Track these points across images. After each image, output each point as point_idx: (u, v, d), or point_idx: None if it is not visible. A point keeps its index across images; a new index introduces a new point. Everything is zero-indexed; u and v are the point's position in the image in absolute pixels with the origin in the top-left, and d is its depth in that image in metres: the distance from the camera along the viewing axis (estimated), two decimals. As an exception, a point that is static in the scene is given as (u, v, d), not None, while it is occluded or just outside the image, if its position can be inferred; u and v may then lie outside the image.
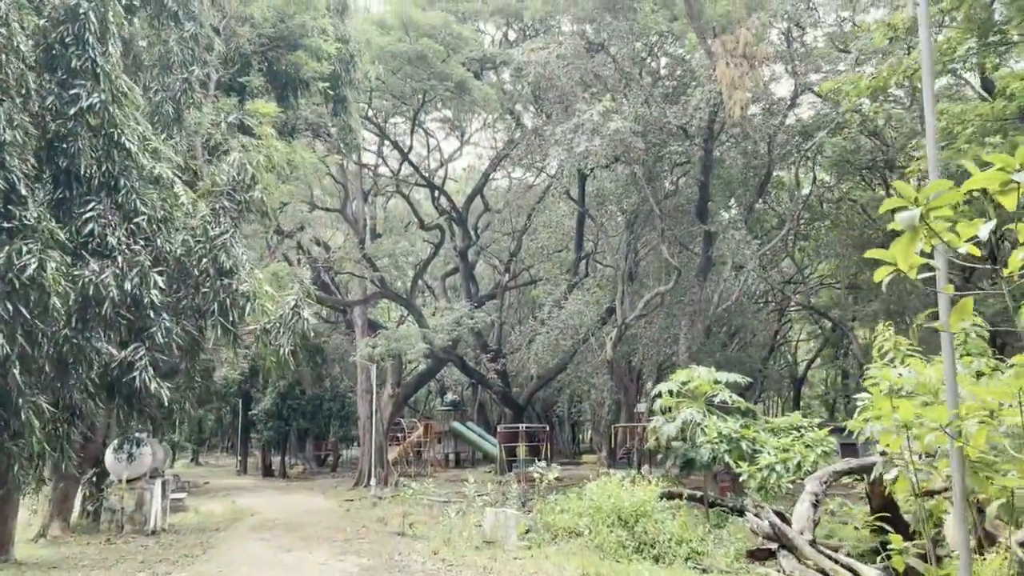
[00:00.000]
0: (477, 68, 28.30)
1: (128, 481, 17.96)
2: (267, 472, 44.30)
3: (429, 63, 23.94)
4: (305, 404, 42.23)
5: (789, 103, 28.38)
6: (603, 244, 40.10)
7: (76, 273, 8.83)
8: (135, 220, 9.52)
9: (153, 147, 10.00)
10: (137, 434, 16.50)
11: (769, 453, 15.63)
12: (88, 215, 9.26)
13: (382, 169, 35.74)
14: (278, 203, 23.89)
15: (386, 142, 32.70)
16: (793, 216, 29.30)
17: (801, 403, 56.62)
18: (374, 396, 32.45)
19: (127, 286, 9.04)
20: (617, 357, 30.10)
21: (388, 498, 27.06)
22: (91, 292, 8.74)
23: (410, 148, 31.59)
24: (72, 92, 9.23)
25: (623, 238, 31.58)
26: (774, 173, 29.94)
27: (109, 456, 18.20)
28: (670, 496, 15.93)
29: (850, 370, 53.09)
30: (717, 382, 17.64)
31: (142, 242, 9.59)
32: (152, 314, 9.25)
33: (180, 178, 10.18)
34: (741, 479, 15.32)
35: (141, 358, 9.14)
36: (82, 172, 9.07)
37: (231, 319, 10.07)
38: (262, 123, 12.01)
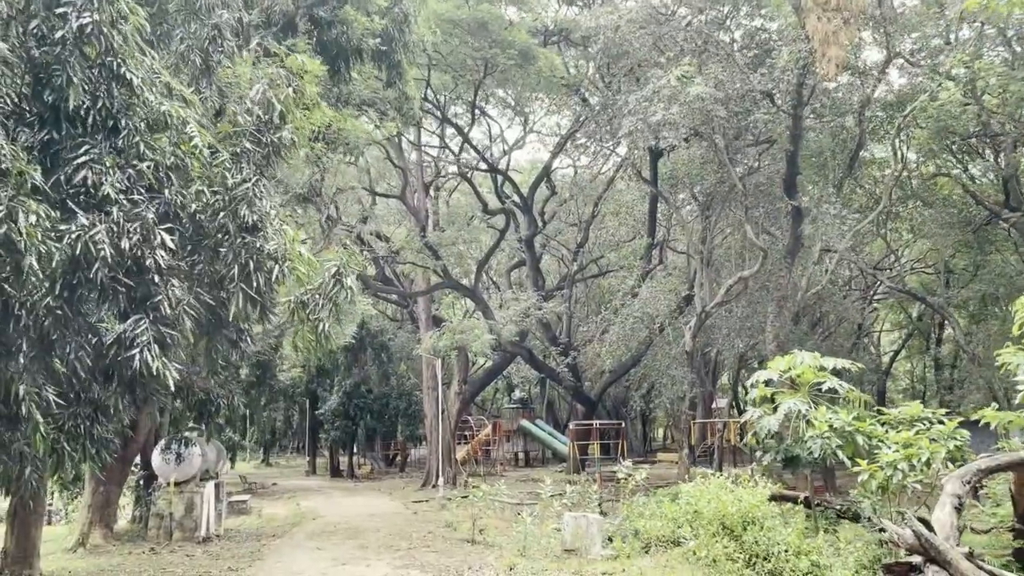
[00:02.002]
0: (540, 41, 26.58)
1: (177, 484, 16.83)
2: (335, 472, 43.68)
3: (490, 31, 22.39)
4: (372, 403, 41.40)
5: (881, 68, 25.94)
6: (675, 230, 38.09)
7: (61, 228, 7.48)
8: (138, 167, 8.16)
9: (164, 82, 8.65)
10: (186, 433, 15.38)
11: (890, 448, 13.55)
12: (80, 160, 7.86)
13: (444, 155, 34.36)
14: (333, 187, 22.73)
15: (447, 127, 31.18)
16: (889, 191, 26.75)
17: (886, 397, 53.32)
18: (440, 393, 31.16)
19: (124, 244, 7.61)
20: (696, 348, 28.07)
21: (456, 499, 25.71)
22: (79, 251, 7.34)
23: (471, 125, 30.03)
24: (59, 11, 7.86)
25: (698, 221, 29.54)
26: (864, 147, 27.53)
27: (156, 457, 17.11)
28: (774, 499, 14.00)
29: (944, 360, 49.68)
30: (823, 369, 15.60)
31: (145, 192, 8.20)
32: (157, 279, 7.83)
33: (196, 120, 8.72)
34: (860, 479, 13.30)
35: (143, 332, 7.70)
36: (73, 109, 7.79)
37: (255, 285, 8.55)
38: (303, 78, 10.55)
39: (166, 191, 8.29)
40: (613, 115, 23.46)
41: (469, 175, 32.76)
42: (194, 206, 8.50)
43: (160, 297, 7.68)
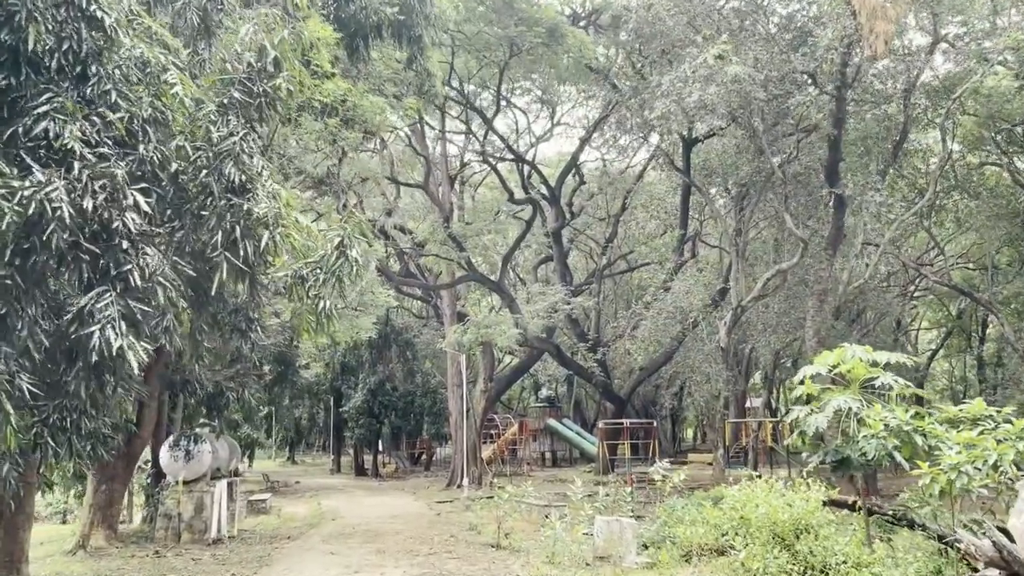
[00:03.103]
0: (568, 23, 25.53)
1: (186, 483, 16.07)
2: (360, 471, 43.13)
3: (515, 9, 21.40)
4: (396, 400, 40.72)
5: (928, 51, 24.66)
6: (708, 224, 36.91)
7: (14, 185, 6.58)
8: (108, 119, 7.23)
9: (144, 25, 7.73)
10: (197, 429, 14.61)
11: (952, 449, 12.42)
12: (41, 110, 6.95)
13: (469, 143, 33.42)
14: (352, 174, 21.86)
15: (472, 116, 30.17)
16: (935, 180, 25.38)
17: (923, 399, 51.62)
18: (465, 390, 30.32)
19: (87, 204, 6.66)
20: (731, 344, 26.92)
21: (482, 500, 24.86)
22: (31, 211, 6.45)
23: (496, 113, 29.01)
24: (14, -62, 6.92)
25: (733, 213, 28.35)
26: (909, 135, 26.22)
27: (164, 454, 16.33)
28: (824, 504, 12.90)
29: (988, 359, 47.86)
30: (875, 364, 14.48)
31: (115, 147, 7.17)
32: (127, 246, 6.91)
33: (178, 66, 7.76)
34: (921, 482, 12.17)
35: (107, 306, 6.78)
36: (34, 51, 6.83)
37: (243, 255, 7.58)
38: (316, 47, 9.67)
39: (141, 147, 7.37)
40: (645, 100, 22.38)
41: (494, 164, 31.66)
42: (175, 165, 7.56)
43: (130, 266, 6.78)
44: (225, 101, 7.93)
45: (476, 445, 32.07)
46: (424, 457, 47.03)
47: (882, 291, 34.75)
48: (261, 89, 8.02)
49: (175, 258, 7.53)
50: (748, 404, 40.37)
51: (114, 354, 6.48)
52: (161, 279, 6.99)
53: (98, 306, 6.59)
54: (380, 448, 45.98)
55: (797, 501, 10.36)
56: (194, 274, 7.75)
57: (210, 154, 7.58)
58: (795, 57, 20.22)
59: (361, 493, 30.39)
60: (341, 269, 8.19)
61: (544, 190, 32.81)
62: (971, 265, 40.69)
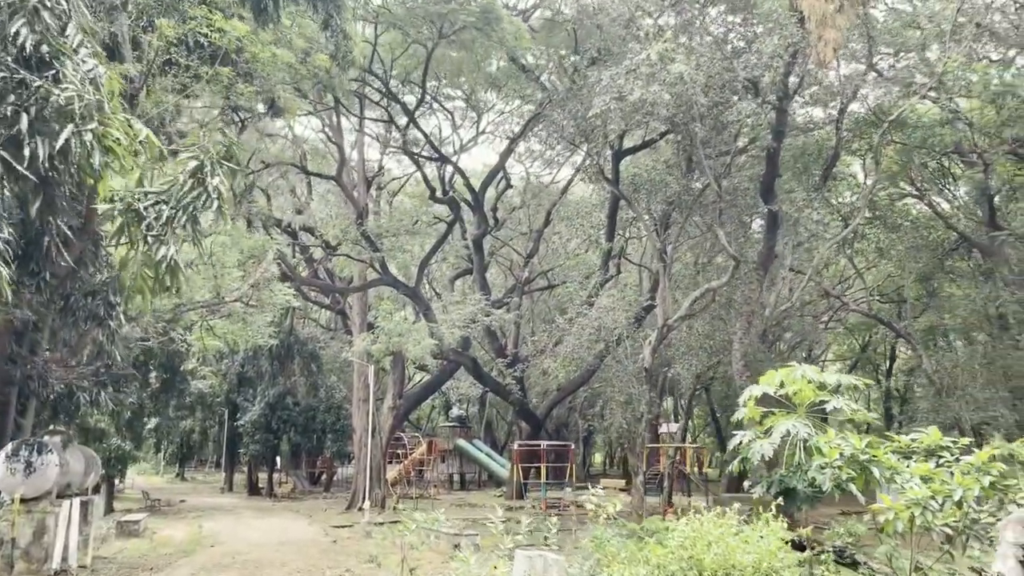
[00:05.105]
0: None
1: (24, 501, 13.35)
2: (253, 490, 40.26)
3: (445, -14, 19.75)
4: (297, 415, 38.15)
5: (863, 74, 24.30)
6: (632, 242, 36.02)
7: None
8: None
9: None
10: (45, 437, 12.11)
11: (908, 482, 11.24)
12: None
13: (388, 138, 31.37)
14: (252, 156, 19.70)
15: (394, 110, 28.15)
16: (864, 207, 24.92)
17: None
18: (372, 406, 28.14)
19: None
20: (655, 365, 25.71)
21: (385, 525, 22.77)
22: None
23: (420, 101, 27.00)
24: None
25: (659, 230, 27.32)
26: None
27: (0, 466, 13.60)
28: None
29: (894, 393, 48.52)
30: (823, 386, 13.33)
31: None
32: None
33: None
34: (882, 518, 10.93)
35: None
36: None
37: (38, 157, 5.36)
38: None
39: None
40: (583, 98, 21.01)
41: (416, 157, 29.57)
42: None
43: None
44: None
45: (381, 465, 29.86)
46: (324, 477, 44.38)
47: (799, 318, 34.45)
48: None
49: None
50: (665, 429, 39.42)
51: None
52: None
53: None
54: (277, 466, 43.14)
55: (753, 539, 8.88)
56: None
57: None
58: (738, 63, 19.25)
59: (251, 515, 27.71)
60: (196, 204, 6.10)
61: (467, 195, 31.11)
62: (880, 298, 41.04)
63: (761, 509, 12.39)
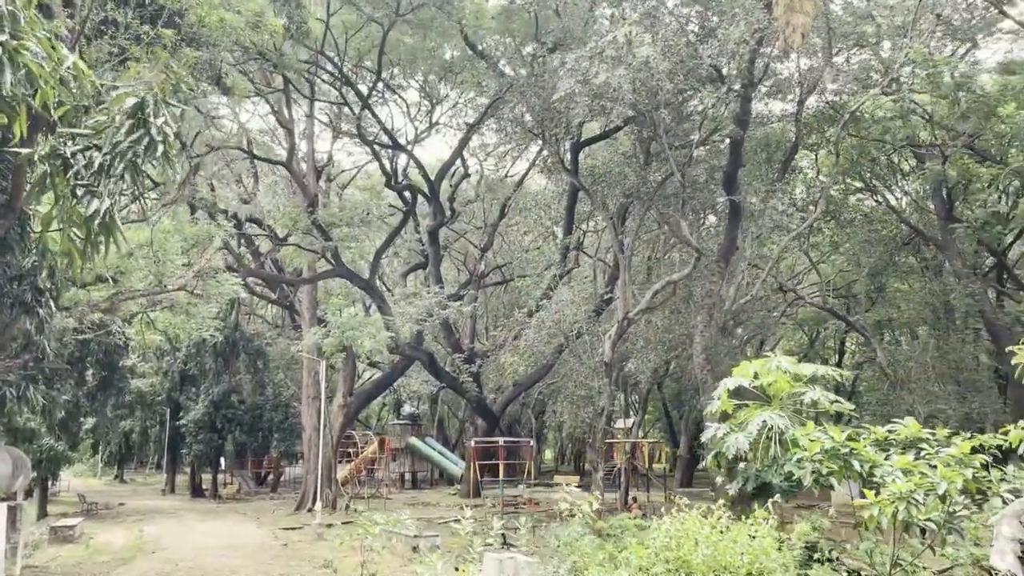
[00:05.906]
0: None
1: (-61, 508, 12.27)
2: (196, 492, 38.83)
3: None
4: (243, 414, 36.88)
5: (823, 66, 24.20)
6: (590, 235, 35.63)
7: None
8: None
9: None
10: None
11: (889, 475, 10.89)
12: None
13: (339, 125, 30.28)
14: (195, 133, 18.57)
15: (347, 95, 27.05)
16: (823, 200, 24.82)
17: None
18: (323, 403, 27.15)
19: None
20: (614, 359, 25.29)
21: (337, 526, 21.91)
22: None
23: (376, 83, 25.97)
24: None
25: (617, 224, 26.89)
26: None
27: (-88, 470, 12.42)
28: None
29: (844, 385, 49.11)
30: (798, 378, 13.00)
31: None
32: None
33: None
34: (866, 514, 10.56)
35: None
36: None
37: None
38: None
39: None
40: (542, 87, 20.41)
41: (371, 142, 28.53)
42: None
43: None
44: None
45: (332, 464, 28.87)
46: (271, 477, 43.04)
47: (755, 311, 34.46)
48: None
49: None
50: (621, 424, 39.12)
51: None
52: None
53: None
54: (221, 466, 41.67)
55: (742, 539, 8.36)
56: None
57: None
58: (703, 49, 18.85)
59: (194, 518, 26.48)
60: (136, 150, 5.09)
61: (423, 186, 30.23)
62: (831, 292, 41.40)
63: (731, 505, 11.97)
